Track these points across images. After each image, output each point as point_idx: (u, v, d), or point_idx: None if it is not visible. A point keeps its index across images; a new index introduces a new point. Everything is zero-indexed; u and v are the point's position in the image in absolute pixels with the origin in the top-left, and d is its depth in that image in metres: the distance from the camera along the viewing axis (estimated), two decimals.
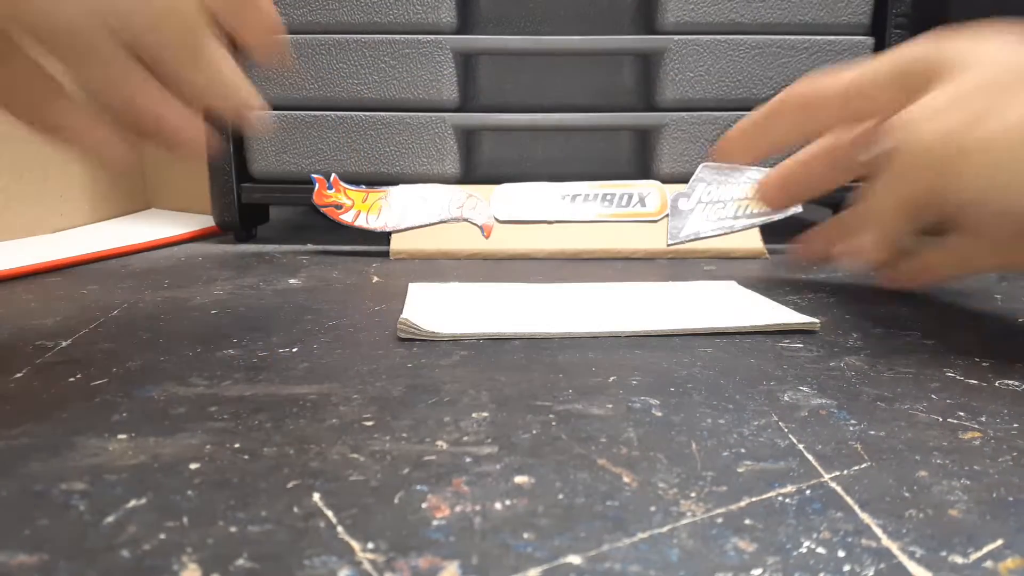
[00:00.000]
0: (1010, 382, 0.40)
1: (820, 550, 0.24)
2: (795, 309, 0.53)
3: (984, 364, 0.43)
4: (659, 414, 0.35)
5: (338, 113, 0.81)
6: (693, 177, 0.79)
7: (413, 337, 0.47)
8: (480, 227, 0.77)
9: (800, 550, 0.24)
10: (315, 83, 0.80)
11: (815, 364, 0.43)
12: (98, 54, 0.33)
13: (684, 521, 0.26)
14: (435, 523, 0.26)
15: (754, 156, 0.58)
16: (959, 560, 0.24)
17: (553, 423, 0.34)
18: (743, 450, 0.31)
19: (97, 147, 0.37)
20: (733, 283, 0.62)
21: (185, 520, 0.26)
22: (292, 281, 0.65)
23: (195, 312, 0.54)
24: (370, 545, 0.24)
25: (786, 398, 0.38)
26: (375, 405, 0.36)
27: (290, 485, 0.28)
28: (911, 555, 0.24)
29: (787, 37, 0.81)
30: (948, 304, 0.57)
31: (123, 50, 0.33)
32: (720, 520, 0.26)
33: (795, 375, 0.41)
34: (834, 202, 0.97)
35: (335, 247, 0.80)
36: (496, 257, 0.76)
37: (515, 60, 0.83)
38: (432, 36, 0.79)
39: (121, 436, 0.33)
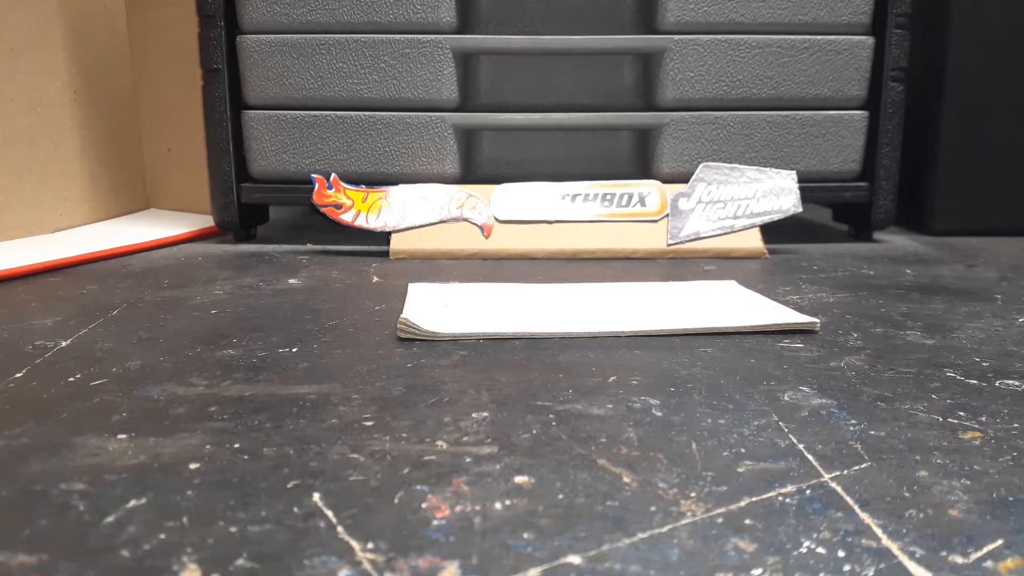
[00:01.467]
0: (1010, 382, 0.40)
1: (820, 550, 0.24)
2: (795, 309, 0.53)
3: (984, 364, 0.43)
4: (659, 414, 0.35)
5: (338, 113, 0.81)
6: (693, 177, 0.79)
7: (413, 337, 0.47)
8: (480, 227, 0.77)
9: (800, 550, 0.24)
10: (315, 83, 0.80)
11: (815, 364, 0.43)
12: None
13: (684, 521, 0.26)
14: (435, 523, 0.26)
15: None
16: (959, 560, 0.23)
17: (553, 423, 0.34)
18: (743, 450, 0.31)
19: None
20: (733, 283, 0.62)
21: (185, 520, 0.26)
22: (292, 281, 0.65)
23: (195, 312, 0.54)
24: (370, 545, 0.24)
25: (786, 398, 0.37)
26: (375, 405, 0.36)
27: (290, 485, 0.28)
28: (911, 555, 0.24)
29: (787, 37, 0.81)
30: (948, 304, 0.57)
31: None
32: (720, 520, 0.26)
33: (795, 375, 0.41)
34: (833, 202, 0.97)
35: (335, 247, 0.80)
36: (496, 257, 0.76)
37: (515, 60, 0.83)
38: (432, 36, 0.79)
39: (121, 436, 0.33)
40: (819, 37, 0.81)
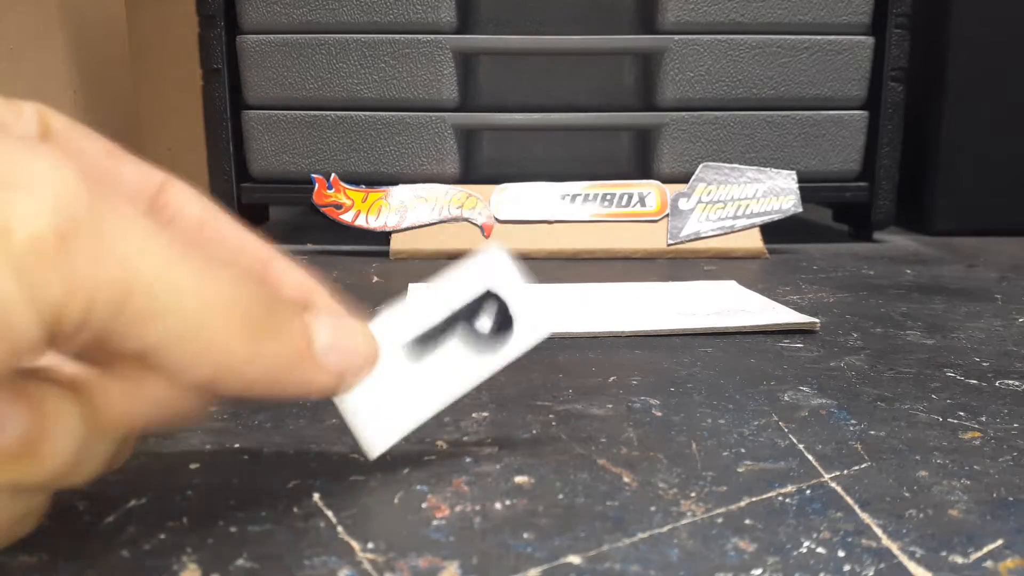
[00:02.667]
0: (1010, 382, 0.40)
1: (820, 550, 0.24)
2: (795, 309, 0.53)
3: (984, 364, 0.43)
4: (659, 414, 0.35)
5: (338, 113, 0.81)
6: (693, 177, 0.79)
7: None
8: (480, 227, 0.77)
9: (800, 550, 0.24)
10: (315, 83, 0.80)
11: (815, 364, 0.43)
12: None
13: (684, 521, 0.26)
14: (435, 523, 0.26)
15: None
16: (959, 560, 0.23)
17: (553, 423, 0.34)
18: (743, 450, 0.31)
19: None
20: (733, 283, 0.62)
21: (185, 520, 0.26)
22: None
23: None
24: (370, 545, 0.24)
25: (786, 398, 0.37)
26: None
27: (290, 485, 0.28)
28: (911, 555, 0.24)
29: (787, 37, 0.81)
30: (948, 304, 0.57)
31: None
32: (720, 520, 0.26)
33: (795, 375, 0.41)
34: (833, 202, 0.97)
35: (335, 247, 0.80)
36: None
37: (515, 60, 0.83)
38: (432, 36, 0.79)
39: None
40: (819, 37, 0.81)
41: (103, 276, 0.19)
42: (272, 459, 0.30)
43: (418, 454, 0.31)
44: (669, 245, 0.77)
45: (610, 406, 0.36)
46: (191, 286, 0.21)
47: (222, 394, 0.23)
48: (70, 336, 0.20)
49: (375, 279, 0.66)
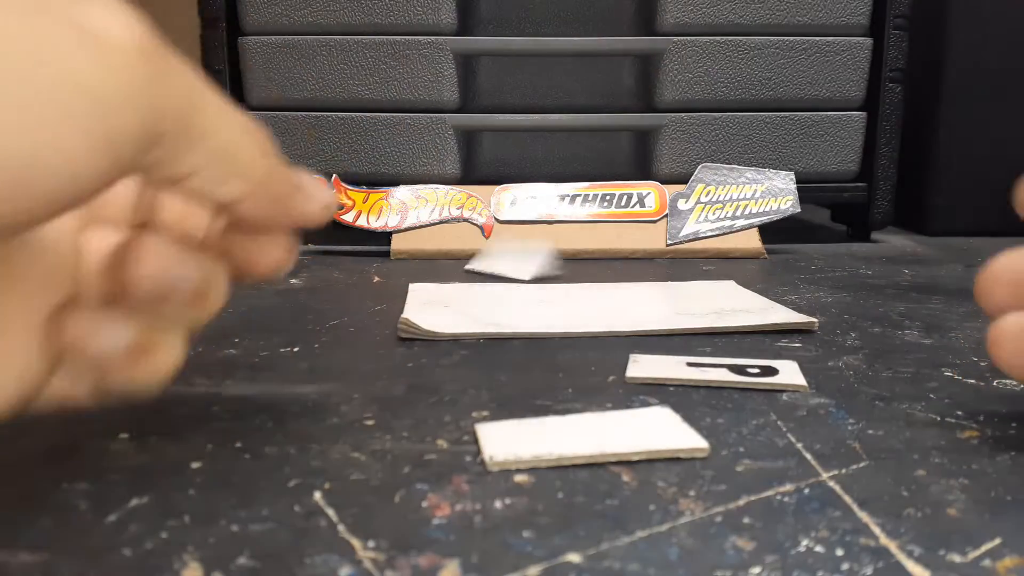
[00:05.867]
0: (1007, 382, 0.40)
1: (818, 549, 0.24)
2: (793, 309, 0.54)
3: (982, 364, 0.43)
4: None
5: (339, 114, 0.81)
6: (692, 178, 0.79)
7: (413, 337, 0.47)
8: (480, 227, 0.77)
9: (798, 549, 0.24)
10: (316, 84, 0.80)
11: (813, 363, 0.43)
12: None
13: (683, 520, 0.26)
14: (435, 522, 0.26)
15: None
16: (957, 559, 0.24)
17: None
18: (742, 449, 0.32)
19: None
20: (732, 283, 0.62)
21: (187, 519, 0.26)
22: (293, 281, 0.65)
23: None
24: (371, 544, 0.24)
25: (784, 397, 0.38)
26: (376, 404, 0.36)
27: (291, 484, 0.28)
28: (909, 554, 0.24)
29: (785, 38, 0.81)
30: (946, 304, 0.58)
31: None
32: (719, 519, 0.26)
33: None
34: (832, 203, 0.97)
35: (336, 247, 0.81)
36: None
37: (515, 61, 0.83)
38: (432, 37, 0.79)
39: (123, 435, 0.33)
40: (817, 38, 0.81)
41: (176, 91, 0.21)
42: (273, 458, 0.31)
43: (419, 453, 0.31)
44: (668, 245, 0.77)
45: (610, 405, 0.36)
46: (227, 111, 0.23)
47: (248, 214, 0.26)
48: (146, 151, 0.21)
49: (376, 279, 0.66)
